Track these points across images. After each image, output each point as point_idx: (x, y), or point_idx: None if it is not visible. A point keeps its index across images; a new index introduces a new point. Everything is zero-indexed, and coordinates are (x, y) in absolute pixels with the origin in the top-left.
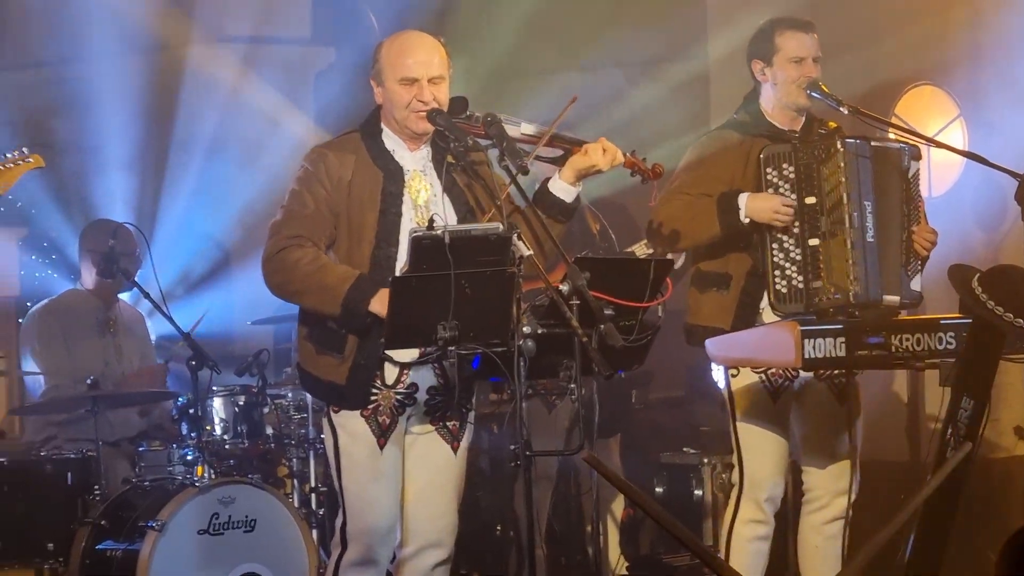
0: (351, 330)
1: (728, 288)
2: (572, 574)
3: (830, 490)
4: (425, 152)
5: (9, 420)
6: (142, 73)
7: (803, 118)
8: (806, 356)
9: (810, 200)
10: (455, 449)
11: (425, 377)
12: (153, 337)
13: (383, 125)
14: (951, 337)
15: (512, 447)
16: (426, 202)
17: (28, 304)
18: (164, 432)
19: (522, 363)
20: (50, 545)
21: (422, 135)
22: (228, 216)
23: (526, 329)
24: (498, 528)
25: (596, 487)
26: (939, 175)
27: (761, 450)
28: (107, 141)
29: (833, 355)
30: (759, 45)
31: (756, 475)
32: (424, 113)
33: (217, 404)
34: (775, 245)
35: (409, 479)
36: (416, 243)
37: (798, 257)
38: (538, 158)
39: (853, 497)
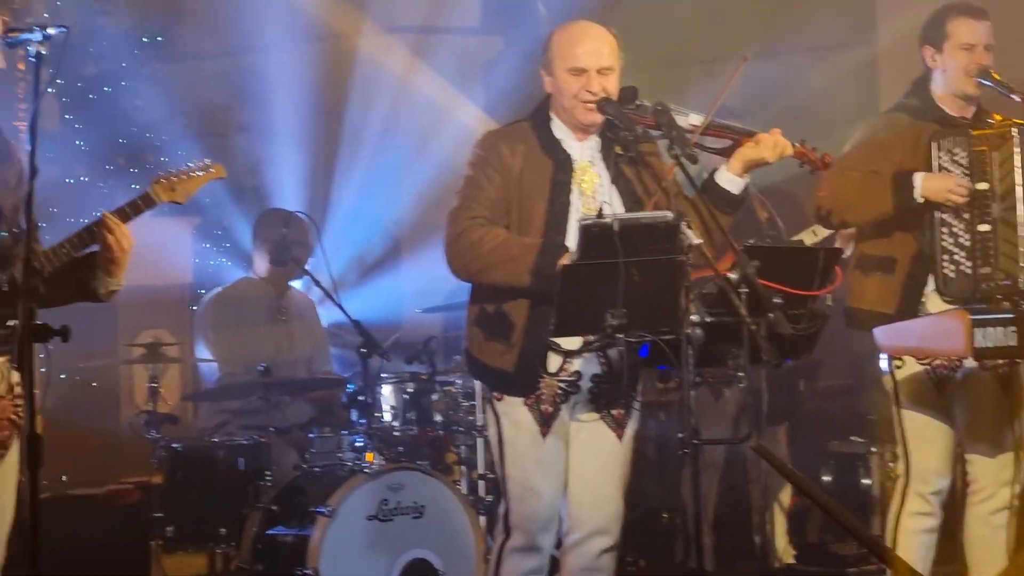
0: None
1: (893, 272)
2: (739, 562)
3: (995, 480)
4: (594, 142)
5: (182, 406)
6: (314, 63)
7: (973, 107)
8: (977, 345)
9: (982, 186)
10: (620, 437)
11: (589, 365)
12: (324, 324)
13: (552, 114)
14: None
15: (680, 435)
16: (594, 192)
17: (201, 292)
18: (334, 419)
19: (690, 351)
20: (222, 530)
21: (590, 126)
22: (399, 204)
23: (694, 317)
24: (665, 516)
25: (763, 475)
26: None
27: (927, 441)
28: (280, 130)
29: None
30: (930, 31)
31: (922, 467)
32: (592, 104)
33: (387, 391)
34: (944, 229)
35: (574, 467)
36: (585, 231)
37: (967, 243)
38: (706, 148)
39: (1019, 487)
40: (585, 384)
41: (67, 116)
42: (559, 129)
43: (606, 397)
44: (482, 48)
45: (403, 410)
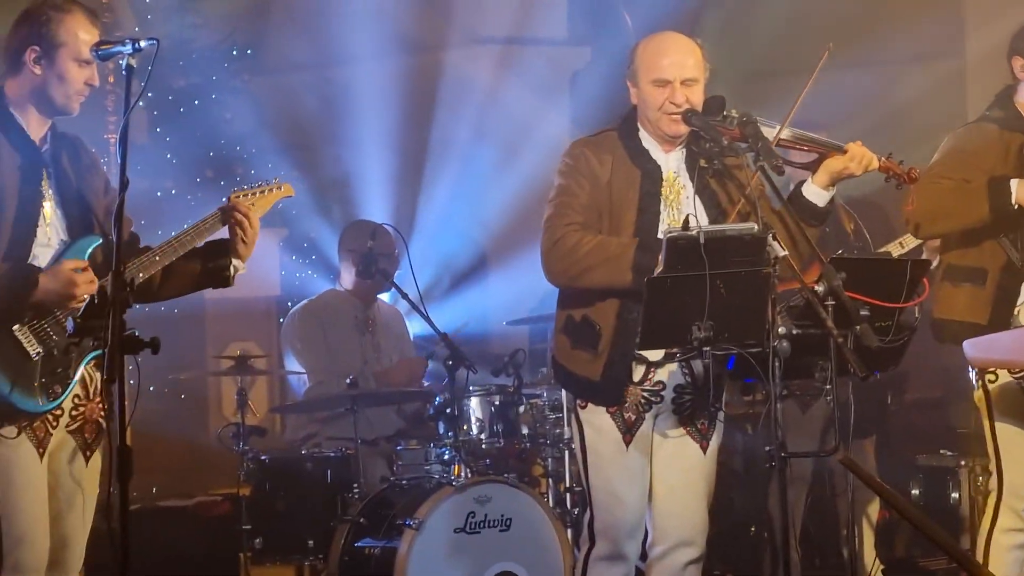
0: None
1: (984, 283)
2: None
3: None
4: (680, 154)
5: (270, 418)
6: (400, 75)
7: None
8: None
9: None
10: (704, 449)
11: (673, 375)
12: (411, 336)
13: (639, 125)
14: None
15: (767, 448)
16: (679, 204)
17: (288, 304)
18: (421, 430)
19: (777, 364)
20: (310, 542)
21: (675, 137)
22: (485, 216)
23: (781, 330)
24: (752, 529)
25: (851, 489)
26: None
27: (1021, 456)
28: (367, 142)
29: None
30: (1020, 42)
31: (1015, 482)
32: (676, 116)
33: (473, 403)
34: None
35: (659, 478)
36: (671, 243)
37: None
38: (791, 163)
39: None
40: (669, 394)
41: (157, 129)
42: (646, 140)
43: (690, 408)
44: (569, 58)
45: (490, 422)
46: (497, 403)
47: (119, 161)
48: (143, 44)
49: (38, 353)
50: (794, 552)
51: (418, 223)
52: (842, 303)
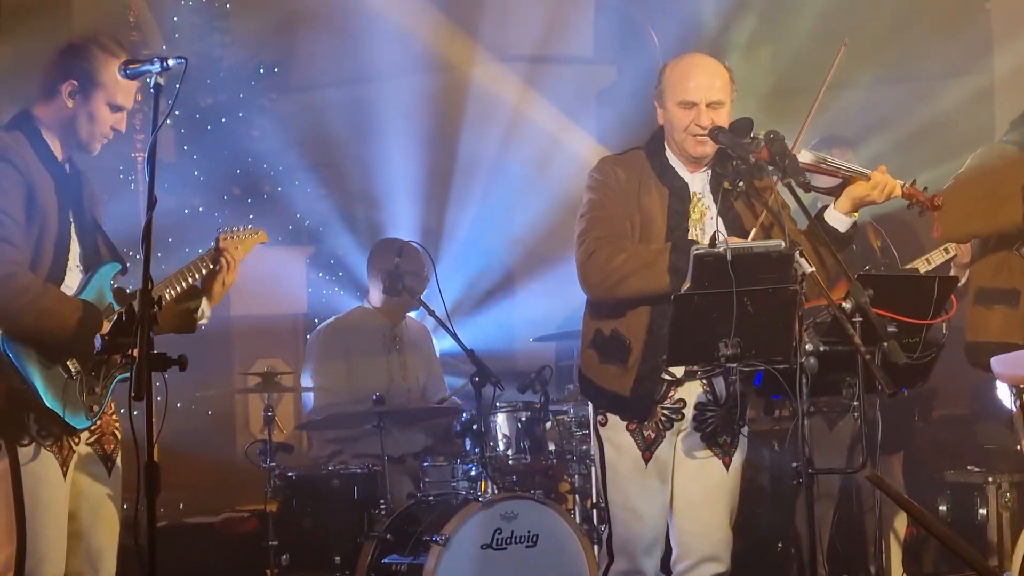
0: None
1: (1017, 304)
2: None
3: None
4: (704, 176)
5: (297, 435)
6: (426, 93)
7: None
8: None
9: None
10: (727, 465)
11: (693, 393)
12: (438, 353)
13: (665, 145)
14: None
15: (794, 465)
16: (703, 225)
17: (315, 321)
18: (448, 447)
19: (804, 381)
20: (337, 558)
21: (700, 158)
22: (512, 234)
23: (808, 346)
24: (779, 545)
25: (879, 505)
26: None
27: None
28: (394, 160)
29: None
30: None
31: None
32: (702, 137)
33: (500, 420)
34: None
35: (681, 494)
36: (698, 261)
37: None
38: (814, 188)
39: None
40: (690, 412)
41: (184, 147)
42: (672, 160)
43: (711, 424)
44: (595, 77)
45: (516, 439)
46: (524, 419)
47: (147, 179)
48: (171, 63)
49: (77, 372)
50: (821, 569)
51: (445, 240)
52: (870, 320)
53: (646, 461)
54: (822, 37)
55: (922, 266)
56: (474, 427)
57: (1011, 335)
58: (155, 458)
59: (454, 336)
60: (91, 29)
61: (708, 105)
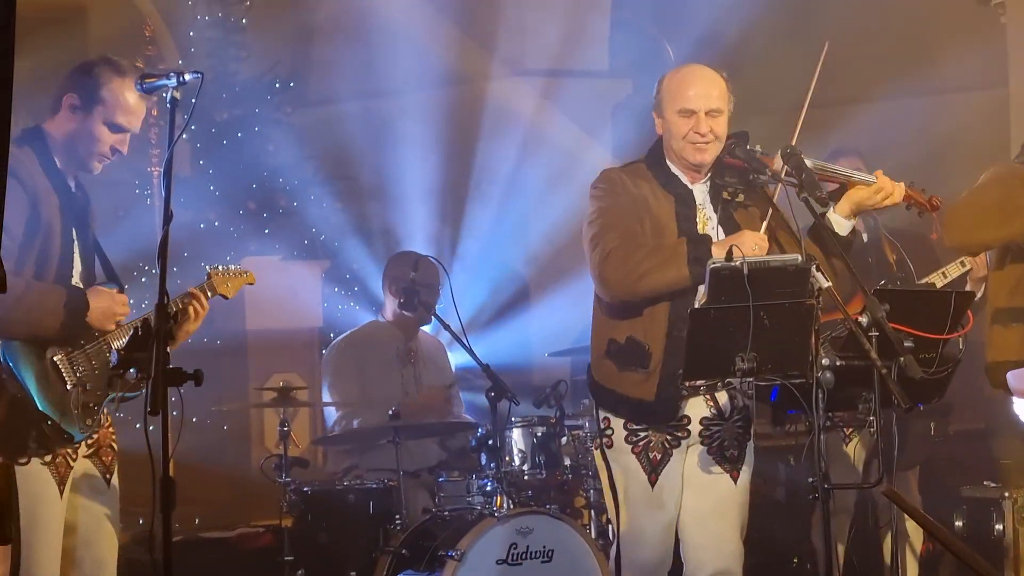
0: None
1: None
2: None
3: None
4: (704, 186)
5: (312, 450)
6: (442, 107)
7: None
8: None
9: None
10: (735, 478)
11: (697, 408)
12: (453, 367)
13: (665, 155)
14: None
15: (810, 480)
16: (706, 233)
17: (331, 335)
18: (463, 462)
19: (821, 395)
20: (352, 573)
21: (699, 166)
22: (527, 248)
23: (825, 361)
24: (795, 560)
25: (895, 521)
26: None
27: None
28: (409, 174)
29: None
30: None
31: None
32: (701, 144)
33: (516, 435)
34: None
35: (689, 510)
36: (715, 274)
37: None
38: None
39: None
40: (695, 427)
41: (200, 161)
42: (674, 169)
43: (717, 439)
44: (611, 91)
45: (532, 454)
46: (539, 434)
47: (163, 194)
48: (187, 77)
49: (73, 384)
50: None
51: (460, 254)
52: (886, 334)
53: (652, 483)
54: (837, 51)
55: (938, 280)
56: (489, 442)
57: None
58: (171, 473)
59: (469, 350)
60: (108, 46)
61: (707, 113)
